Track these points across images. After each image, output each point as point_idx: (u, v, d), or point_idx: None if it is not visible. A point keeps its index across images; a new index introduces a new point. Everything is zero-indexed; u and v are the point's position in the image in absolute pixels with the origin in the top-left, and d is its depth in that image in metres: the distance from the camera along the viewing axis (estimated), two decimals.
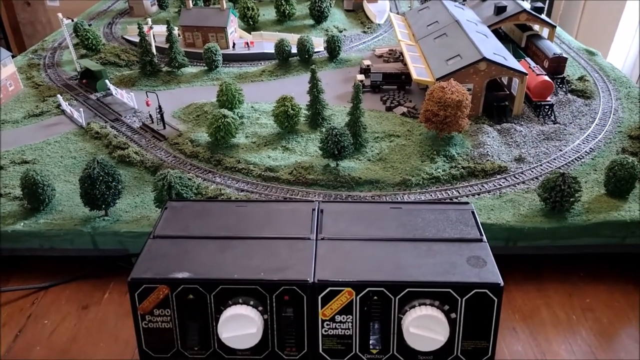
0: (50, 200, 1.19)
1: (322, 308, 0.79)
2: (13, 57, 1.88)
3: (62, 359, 0.96)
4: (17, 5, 4.87)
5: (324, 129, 1.31)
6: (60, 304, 1.09)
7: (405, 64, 1.73)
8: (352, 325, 0.80)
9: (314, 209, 0.94)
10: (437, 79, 1.48)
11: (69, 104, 1.68)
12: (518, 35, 2.04)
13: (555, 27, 1.96)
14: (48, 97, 1.78)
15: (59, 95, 1.72)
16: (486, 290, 0.77)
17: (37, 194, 1.15)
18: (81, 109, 1.61)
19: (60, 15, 1.87)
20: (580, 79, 1.78)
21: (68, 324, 1.04)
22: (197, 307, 0.78)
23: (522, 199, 1.19)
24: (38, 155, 1.43)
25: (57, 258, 1.17)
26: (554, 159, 1.35)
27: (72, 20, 2.12)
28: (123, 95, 1.71)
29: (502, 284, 0.77)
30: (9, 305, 1.08)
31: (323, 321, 0.80)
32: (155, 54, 1.91)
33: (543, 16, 1.94)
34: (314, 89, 1.47)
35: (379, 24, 2.37)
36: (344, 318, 0.80)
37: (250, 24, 2.31)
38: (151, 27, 1.90)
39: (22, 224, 1.14)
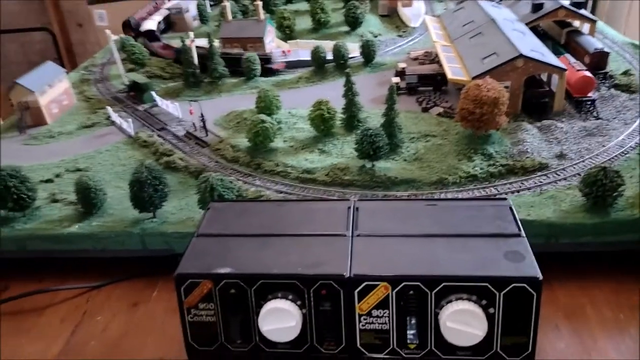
0: (102, 204, 1.26)
1: (358, 302, 0.81)
2: (67, 73, 2.01)
3: (114, 352, 1.02)
4: (70, 27, 5.17)
5: (359, 131, 1.33)
6: (112, 301, 1.15)
7: (441, 65, 1.73)
8: (389, 320, 0.81)
9: (349, 207, 0.97)
10: (473, 78, 1.47)
11: (118, 115, 1.77)
12: (557, 32, 2.00)
13: (595, 21, 1.91)
14: (98, 109, 1.89)
15: (108, 108, 1.82)
16: (525, 285, 0.76)
17: (90, 198, 1.22)
18: (129, 120, 1.70)
19: (108, 31, 1.98)
20: (625, 73, 1.72)
21: (119, 320, 1.10)
22: (239, 301, 0.82)
23: (563, 196, 1.17)
24: (90, 164, 1.52)
25: (108, 259, 1.24)
26: (597, 155, 1.32)
27: (119, 37, 2.24)
28: (168, 106, 1.80)
29: (540, 277, 0.76)
30: (66, 303, 1.15)
31: (360, 315, 0.81)
32: (197, 66, 1.99)
33: (583, 11, 1.89)
34: (349, 92, 1.50)
35: (414, 28, 2.37)
36: (380, 312, 0.81)
37: (287, 33, 2.37)
38: (193, 40, 1.98)
39: (76, 226, 1.22)
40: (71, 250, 1.22)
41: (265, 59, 2.02)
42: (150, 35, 2.37)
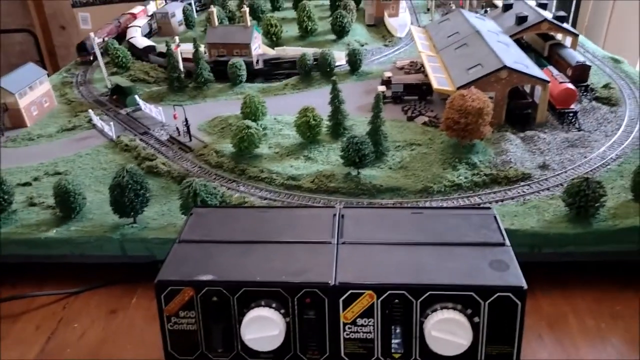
0: (82, 209, 1.23)
1: (343, 311, 0.80)
2: (48, 75, 1.97)
3: None
4: (53, 29, 5.10)
5: (345, 138, 1.32)
6: (90, 308, 1.12)
7: (426, 75, 1.74)
8: (373, 329, 0.80)
9: (335, 214, 0.96)
10: (458, 88, 1.48)
11: (100, 119, 1.74)
12: (540, 45, 2.03)
13: (577, 35, 1.95)
14: (80, 112, 1.86)
15: (90, 111, 1.79)
16: (509, 294, 0.76)
17: (68, 202, 1.19)
18: (111, 123, 1.67)
19: (92, 34, 1.95)
20: (605, 86, 1.76)
21: (97, 327, 1.07)
22: (221, 309, 0.80)
23: (546, 206, 1.18)
24: (70, 167, 1.49)
25: (86, 265, 1.21)
26: (579, 166, 1.33)
27: (103, 40, 2.21)
28: (152, 110, 1.77)
29: (525, 287, 0.76)
30: (42, 309, 1.12)
31: (344, 324, 0.80)
32: (182, 70, 1.97)
33: (565, 25, 1.93)
34: (335, 100, 1.50)
35: (400, 38, 2.39)
36: (365, 321, 0.80)
37: (274, 40, 2.37)
38: (178, 45, 1.97)
39: (54, 231, 1.19)
40: (48, 256, 1.19)
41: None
42: (150, 50, 2.30)
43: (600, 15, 3.26)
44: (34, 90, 1.84)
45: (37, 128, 1.77)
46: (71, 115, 1.85)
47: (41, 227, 1.21)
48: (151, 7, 2.29)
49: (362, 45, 2.30)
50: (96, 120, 1.74)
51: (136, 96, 1.85)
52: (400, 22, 2.51)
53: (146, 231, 1.17)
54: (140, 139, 1.63)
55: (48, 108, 1.91)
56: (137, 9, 2.63)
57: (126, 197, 1.13)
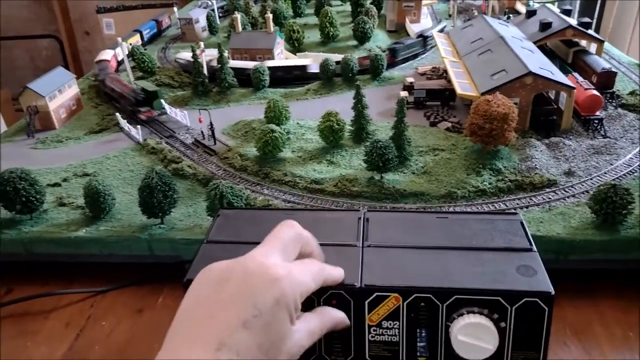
0: (111, 209, 1.26)
1: (369, 313, 0.80)
2: (76, 79, 2.02)
3: (118, 358, 1.01)
4: (77, 35, 5.23)
5: (368, 142, 1.33)
6: (117, 307, 1.14)
7: (449, 81, 1.74)
8: (399, 332, 0.80)
9: (359, 218, 0.96)
10: (482, 94, 1.48)
11: (127, 122, 1.78)
12: (564, 51, 2.02)
13: (603, 42, 1.93)
14: (107, 115, 1.90)
15: (117, 114, 1.83)
16: (537, 299, 0.76)
17: (98, 202, 1.22)
18: (138, 127, 1.71)
19: (120, 39, 2.00)
20: (632, 93, 1.74)
21: (124, 326, 1.09)
22: None
23: (572, 212, 1.17)
24: (98, 169, 1.53)
25: (114, 264, 1.23)
26: (605, 173, 1.32)
27: (130, 45, 2.26)
28: (177, 114, 1.81)
29: (553, 292, 0.76)
30: (71, 307, 1.14)
31: (370, 327, 0.81)
32: (206, 75, 2.00)
33: (590, 31, 1.91)
34: (359, 104, 1.51)
35: None
36: (390, 324, 0.80)
37: (296, 45, 2.39)
38: (203, 50, 2.00)
39: (84, 230, 1.22)
40: (77, 255, 1.22)
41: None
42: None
43: (624, 22, 3.22)
44: (63, 94, 1.89)
45: (65, 130, 1.82)
46: (99, 119, 1.89)
47: (71, 226, 1.24)
48: (122, 50, 2.08)
49: (384, 51, 2.31)
50: (123, 123, 1.77)
51: (162, 100, 1.88)
52: (421, 28, 2.51)
53: (173, 232, 1.19)
54: (166, 142, 1.66)
55: (76, 111, 1.96)
56: (108, 54, 2.32)
57: (155, 198, 1.16)
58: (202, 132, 1.66)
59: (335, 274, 0.78)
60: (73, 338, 1.06)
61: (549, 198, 1.24)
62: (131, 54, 2.26)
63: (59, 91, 1.87)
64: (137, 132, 1.69)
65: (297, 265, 0.71)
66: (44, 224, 1.26)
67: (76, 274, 1.23)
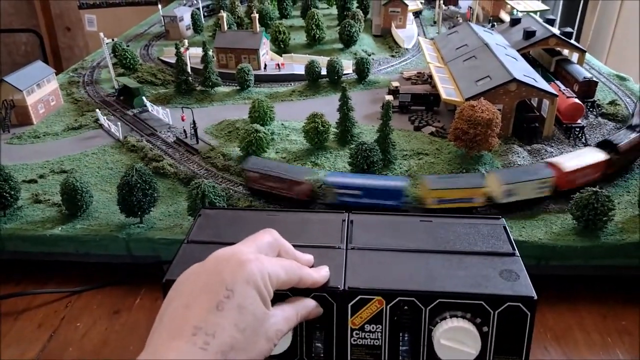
0: (88, 207, 1.23)
1: (351, 317, 0.79)
2: (55, 74, 1.97)
3: None
4: (58, 30, 5.12)
5: (353, 145, 1.32)
6: (93, 308, 1.11)
7: (434, 86, 1.75)
8: (381, 335, 0.79)
9: (344, 220, 0.95)
10: (467, 99, 1.49)
11: (106, 119, 1.74)
12: (547, 60, 2.05)
13: (585, 51, 1.96)
14: (86, 112, 1.86)
15: (97, 110, 1.79)
16: (519, 304, 0.76)
17: (75, 199, 1.19)
18: (118, 124, 1.67)
19: (102, 34, 1.96)
20: (611, 103, 1.77)
21: (100, 327, 1.06)
22: None
23: (554, 218, 1.18)
24: (76, 166, 1.49)
25: (91, 264, 1.20)
26: None
27: (112, 40, 2.22)
28: (159, 112, 1.77)
29: (535, 297, 0.76)
30: (45, 307, 1.11)
31: (352, 330, 0.80)
32: (190, 73, 1.97)
33: (572, 41, 1.94)
34: (344, 107, 1.50)
35: (406, 49, 2.40)
36: (373, 327, 0.79)
37: (282, 47, 2.38)
38: (187, 48, 1.98)
39: (59, 228, 1.18)
40: (52, 253, 1.18)
41: None
42: None
43: (602, 34, 3.29)
44: (42, 88, 1.85)
45: (43, 126, 1.77)
46: (78, 115, 1.85)
47: (46, 224, 1.20)
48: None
49: (369, 55, 2.31)
50: (103, 120, 1.74)
51: (143, 97, 1.85)
52: (407, 33, 2.53)
53: (152, 231, 1.16)
54: (147, 140, 1.62)
55: (55, 107, 1.91)
56: None
57: (134, 196, 1.13)
58: (184, 130, 1.63)
59: (316, 276, 0.77)
60: (46, 339, 1.03)
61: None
62: (113, 50, 2.22)
63: (37, 85, 1.82)
64: (117, 129, 1.65)
65: (269, 257, 0.71)
66: (18, 221, 1.22)
67: (51, 273, 1.20)
